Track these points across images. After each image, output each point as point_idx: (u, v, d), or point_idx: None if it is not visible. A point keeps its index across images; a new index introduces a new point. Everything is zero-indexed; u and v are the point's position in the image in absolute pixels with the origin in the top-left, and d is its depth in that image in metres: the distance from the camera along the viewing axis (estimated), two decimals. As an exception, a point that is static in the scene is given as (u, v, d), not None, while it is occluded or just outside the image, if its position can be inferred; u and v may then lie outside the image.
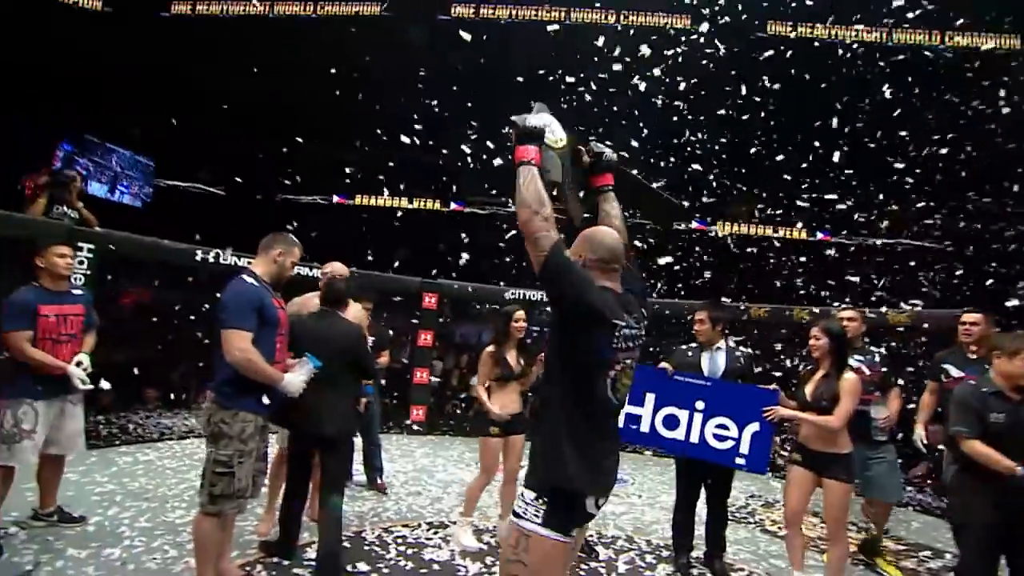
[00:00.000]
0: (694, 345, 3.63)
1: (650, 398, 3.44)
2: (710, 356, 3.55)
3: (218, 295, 2.58)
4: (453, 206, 15.09)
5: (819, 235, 12.67)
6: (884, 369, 3.63)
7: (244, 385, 2.54)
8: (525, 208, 1.64)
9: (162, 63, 10.12)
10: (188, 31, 11.31)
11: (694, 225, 13.84)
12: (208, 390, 2.62)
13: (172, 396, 6.95)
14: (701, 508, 3.59)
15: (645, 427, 3.43)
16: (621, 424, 3.04)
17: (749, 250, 9.93)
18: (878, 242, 11.55)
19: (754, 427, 3.25)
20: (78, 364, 3.19)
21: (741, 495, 5.43)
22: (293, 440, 3.11)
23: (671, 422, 3.41)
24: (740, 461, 3.26)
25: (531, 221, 1.63)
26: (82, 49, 9.47)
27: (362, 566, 3.11)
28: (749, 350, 3.84)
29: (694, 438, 3.35)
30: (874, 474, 3.61)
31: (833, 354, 3.17)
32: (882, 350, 3.72)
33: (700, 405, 3.36)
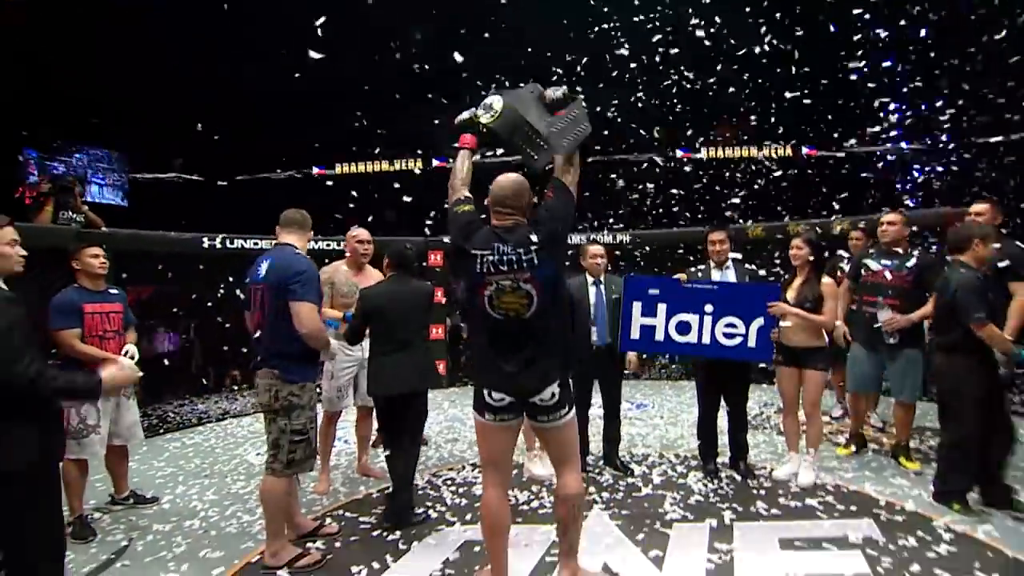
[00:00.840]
0: (702, 267, 3.89)
1: (661, 308, 3.64)
2: (721, 274, 3.83)
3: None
4: (435, 163, 15.01)
5: (805, 150, 12.78)
6: (908, 276, 3.79)
7: (308, 356, 2.71)
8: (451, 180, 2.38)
9: (116, 50, 9.80)
10: (135, 16, 10.82)
11: (679, 154, 13.88)
12: (260, 367, 2.71)
13: (205, 382, 7.21)
14: (721, 420, 3.90)
15: (660, 336, 3.63)
16: (637, 336, 3.44)
17: (736, 173, 10.07)
18: (863, 151, 11.69)
19: (759, 321, 3.50)
20: (127, 355, 3.37)
21: (755, 404, 5.82)
22: (386, 400, 3.16)
23: (683, 328, 3.62)
24: (750, 353, 3.54)
25: (450, 189, 2.36)
26: (24, 49, 9.13)
27: (418, 509, 3.35)
28: (752, 266, 4.09)
29: (706, 339, 3.57)
30: (889, 375, 3.93)
31: (812, 262, 3.63)
32: (915, 254, 3.87)
33: (709, 308, 3.57)
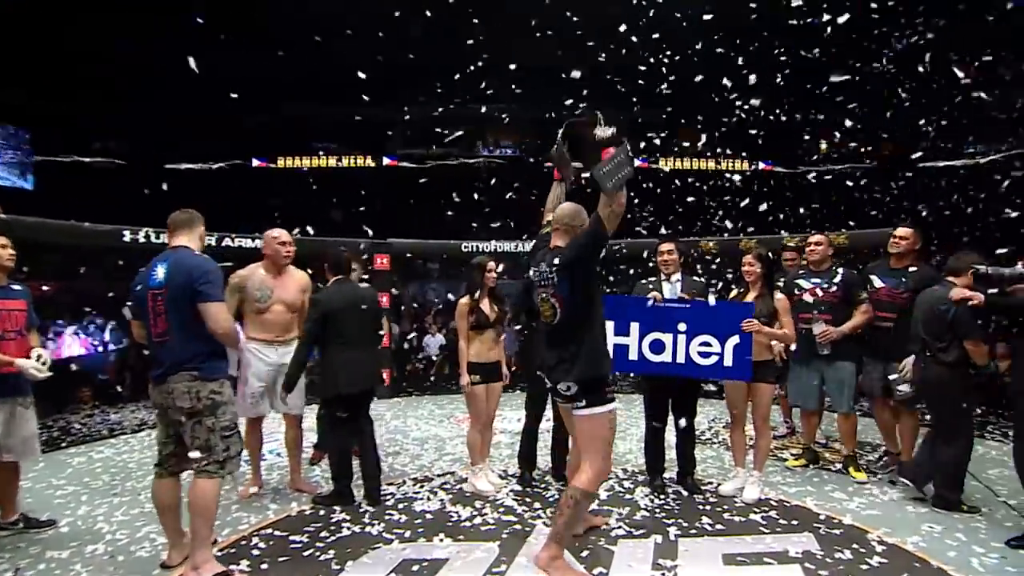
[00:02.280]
0: (652, 278, 3.99)
1: (635, 327, 3.69)
2: (670, 286, 3.93)
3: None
4: (387, 160, 14.81)
5: (761, 165, 13.39)
6: (837, 292, 4.11)
7: (222, 353, 2.78)
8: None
9: (26, 28, 9.19)
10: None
11: (637, 163, 14.30)
12: (172, 372, 2.66)
13: (120, 389, 6.82)
14: (670, 434, 3.99)
15: (633, 355, 3.68)
16: (610, 356, 3.35)
17: (694, 184, 10.45)
18: (815, 170, 12.35)
19: (734, 340, 3.61)
20: (38, 358, 3.17)
21: (704, 419, 6.00)
22: (336, 400, 3.58)
23: (657, 347, 3.68)
24: (726, 371, 3.63)
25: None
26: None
27: (354, 527, 3.32)
28: (701, 278, 4.22)
29: (680, 359, 3.64)
30: (828, 388, 4.19)
31: (764, 277, 3.82)
32: (840, 271, 4.18)
33: (682, 327, 3.65)
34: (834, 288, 4.13)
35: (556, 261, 2.69)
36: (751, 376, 3.65)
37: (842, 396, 4.09)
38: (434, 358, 9.96)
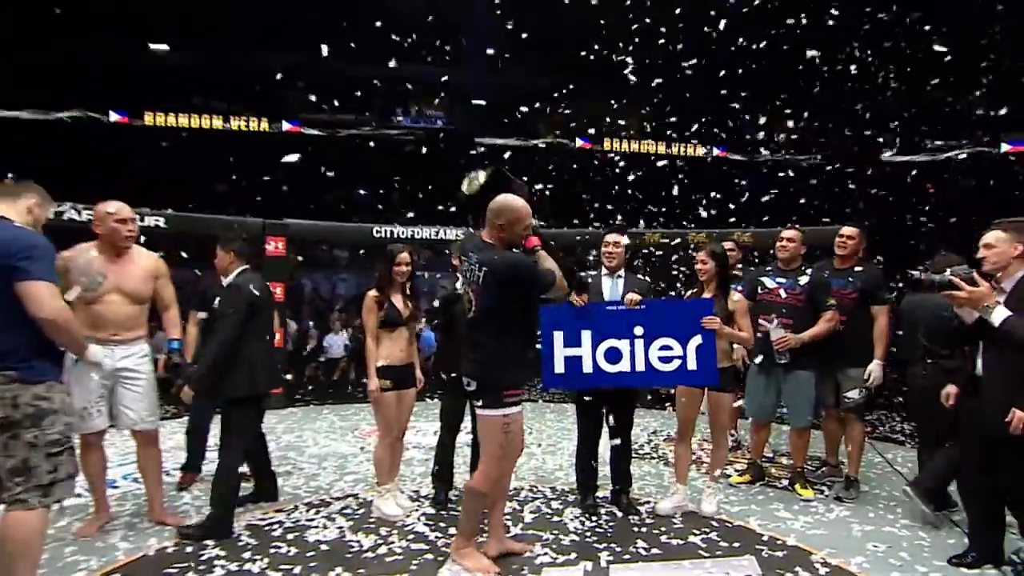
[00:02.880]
0: (593, 272, 4.06)
1: (586, 336, 3.72)
2: (612, 282, 4.00)
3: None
4: (287, 126, 14.20)
5: (716, 151, 13.89)
6: (801, 295, 4.25)
7: (49, 350, 2.53)
8: None
9: None
10: None
11: (578, 143, 14.48)
12: None
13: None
14: (604, 449, 4.06)
15: (588, 367, 3.71)
16: (562, 370, 3.71)
17: (638, 171, 10.74)
18: (773, 157, 12.98)
19: (696, 340, 3.70)
20: None
21: (643, 432, 6.16)
22: (250, 402, 3.61)
23: (613, 355, 3.72)
24: (691, 376, 3.73)
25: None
26: None
27: (230, 565, 3.15)
28: (646, 276, 4.33)
29: (640, 366, 3.71)
30: (784, 399, 4.35)
31: (718, 276, 3.91)
32: (808, 272, 4.34)
33: (639, 331, 3.71)
34: (798, 290, 4.25)
35: (484, 269, 2.97)
36: (718, 380, 3.77)
37: (799, 408, 4.26)
38: (340, 360, 9.73)
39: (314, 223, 7.84)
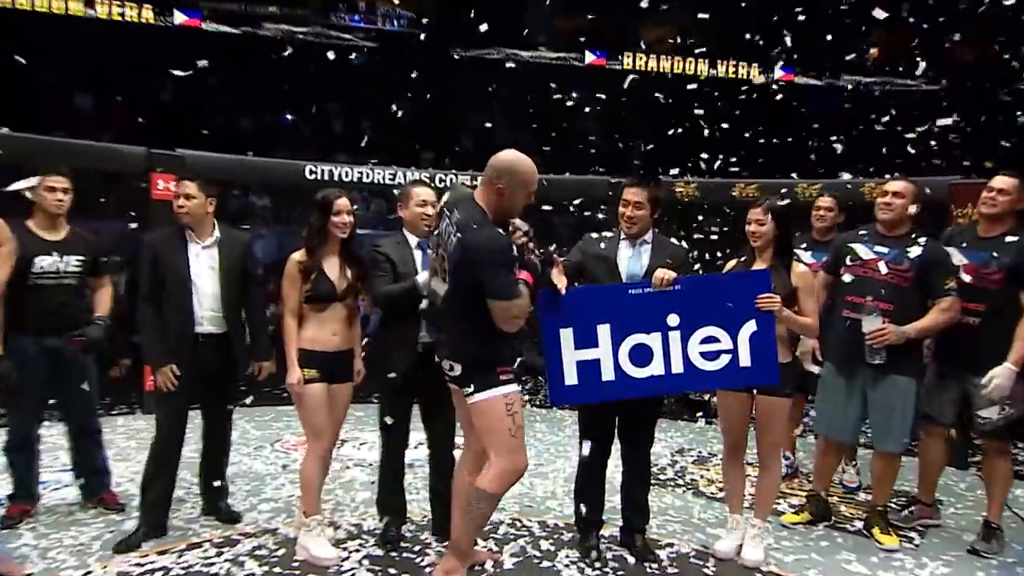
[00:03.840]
0: (608, 234, 3.98)
1: (604, 332, 3.67)
2: (633, 251, 3.86)
3: None
4: (180, 18, 13.64)
5: (779, 73, 13.48)
6: (910, 271, 4.06)
7: None
8: None
9: None
10: None
11: (589, 59, 14.20)
12: None
13: None
14: (614, 473, 4.03)
15: (609, 374, 3.67)
16: (575, 380, 3.70)
17: (668, 96, 10.50)
18: (856, 82, 12.62)
19: (750, 327, 3.65)
20: None
21: (666, 450, 6.13)
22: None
23: (641, 355, 3.68)
24: (747, 375, 3.69)
25: None
26: None
27: None
28: (680, 242, 4.19)
29: (677, 366, 3.66)
30: (871, 412, 4.21)
31: (778, 241, 3.86)
32: (922, 241, 4.10)
33: (673, 320, 3.67)
34: (906, 265, 4.09)
35: (458, 235, 3.13)
36: (779, 377, 3.70)
37: (891, 427, 4.15)
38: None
39: (221, 157, 7.59)
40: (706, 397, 6.90)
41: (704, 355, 3.67)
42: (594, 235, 4.04)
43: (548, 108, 10.21)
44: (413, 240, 3.95)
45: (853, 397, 4.23)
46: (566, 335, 3.66)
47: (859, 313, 4.07)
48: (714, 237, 6.92)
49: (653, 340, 3.67)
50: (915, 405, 4.15)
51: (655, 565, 3.80)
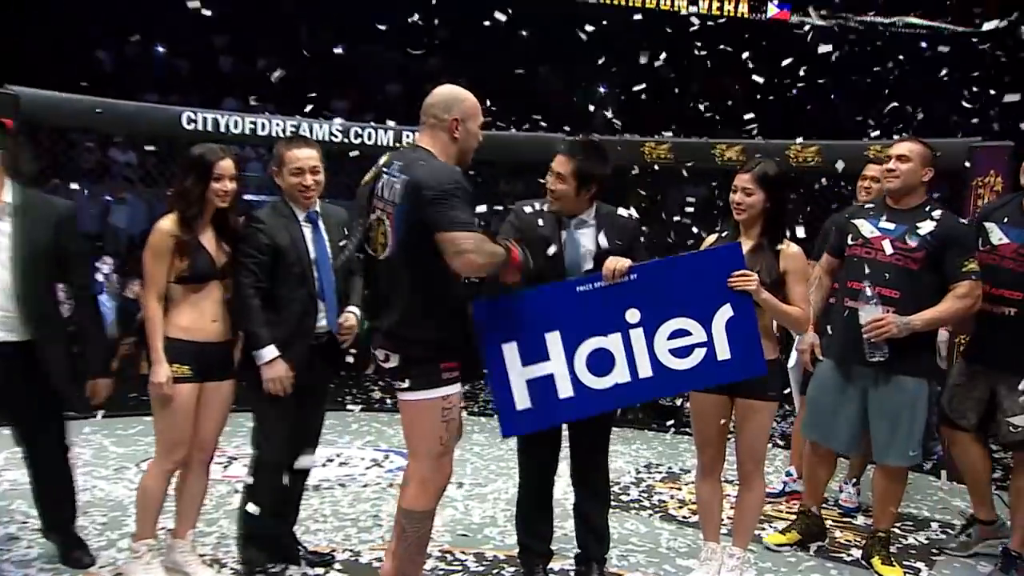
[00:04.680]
0: (536, 202, 3.99)
1: (553, 340, 3.69)
2: (569, 235, 3.87)
3: None
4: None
5: (773, 9, 13.70)
6: (921, 252, 4.16)
7: None
8: None
9: None
10: None
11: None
12: None
13: None
14: (567, 494, 4.13)
15: (567, 390, 3.69)
16: (528, 404, 3.71)
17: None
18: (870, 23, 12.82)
19: (725, 312, 3.69)
20: None
21: (629, 466, 6.23)
22: None
23: (601, 362, 3.71)
24: (726, 369, 3.73)
25: None
26: None
27: None
28: (629, 214, 4.13)
29: (645, 370, 3.70)
30: (871, 418, 4.33)
31: (768, 215, 3.90)
32: (936, 215, 4.22)
33: (633, 316, 3.70)
34: (916, 244, 4.19)
35: (406, 180, 3.26)
36: (766, 368, 3.75)
37: (895, 437, 4.26)
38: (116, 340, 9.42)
39: (69, 97, 7.42)
40: (678, 402, 7.06)
41: (675, 352, 3.71)
42: (528, 209, 3.95)
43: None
44: (299, 212, 3.95)
45: (850, 399, 4.35)
46: (510, 351, 3.67)
47: (856, 301, 4.17)
48: (689, 210, 7.00)
49: (613, 343, 3.71)
50: (926, 413, 4.25)
51: (615, 604, 3.88)
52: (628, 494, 5.57)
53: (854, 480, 5.43)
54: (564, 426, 3.97)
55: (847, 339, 4.24)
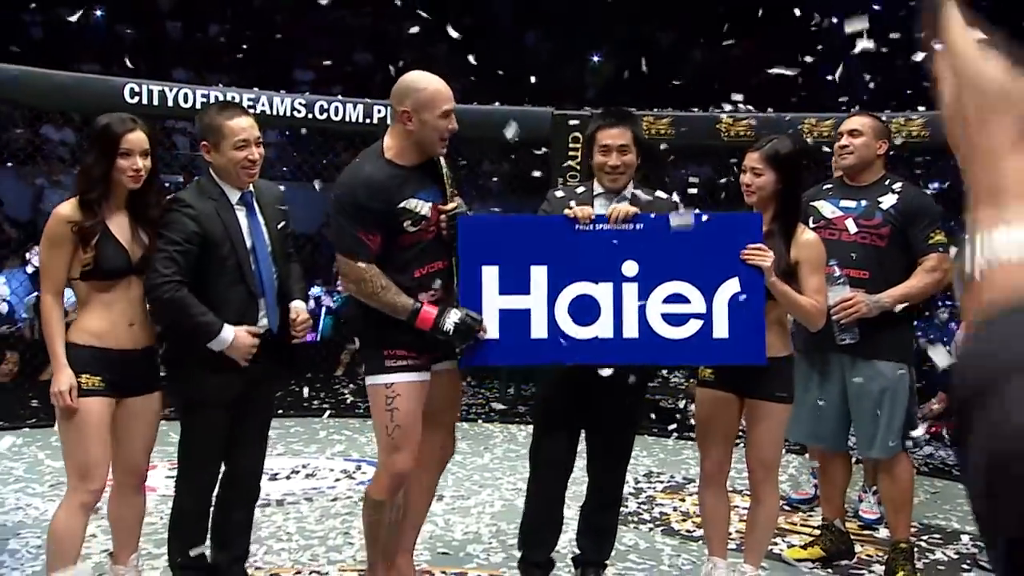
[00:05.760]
0: (580, 189, 4.12)
1: (539, 275, 3.75)
2: (608, 207, 3.93)
3: None
4: None
5: None
6: (885, 227, 4.32)
7: None
8: None
9: None
10: None
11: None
12: None
13: None
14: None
15: (540, 330, 3.75)
16: (495, 334, 3.77)
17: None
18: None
19: (731, 286, 3.72)
20: None
21: (628, 475, 6.20)
22: None
23: (585, 310, 3.76)
24: (719, 349, 3.75)
25: None
26: None
27: None
28: (670, 195, 4.27)
29: (631, 330, 3.73)
30: (853, 406, 4.42)
31: (781, 198, 3.91)
32: (896, 188, 4.38)
33: (631, 269, 3.75)
34: (879, 219, 4.35)
35: None
36: (765, 357, 3.75)
37: (875, 427, 4.37)
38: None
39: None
40: (681, 404, 7.09)
41: (667, 318, 3.75)
42: (559, 192, 4.10)
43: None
44: (232, 193, 3.80)
45: (828, 391, 4.46)
46: (489, 275, 3.73)
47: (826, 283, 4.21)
48: (693, 191, 7.03)
49: (602, 292, 3.75)
50: (907, 399, 4.36)
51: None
52: (627, 506, 5.55)
53: (874, 488, 5.45)
54: (583, 410, 4.04)
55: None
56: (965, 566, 4.81)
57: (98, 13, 12.59)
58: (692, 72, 14.92)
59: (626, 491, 5.78)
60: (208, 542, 3.93)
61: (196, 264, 3.62)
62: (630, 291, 3.72)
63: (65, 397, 3.50)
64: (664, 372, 7.78)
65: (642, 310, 3.72)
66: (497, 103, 8.65)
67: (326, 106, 7.90)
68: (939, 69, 2.05)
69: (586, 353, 3.75)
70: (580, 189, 4.13)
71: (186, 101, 7.58)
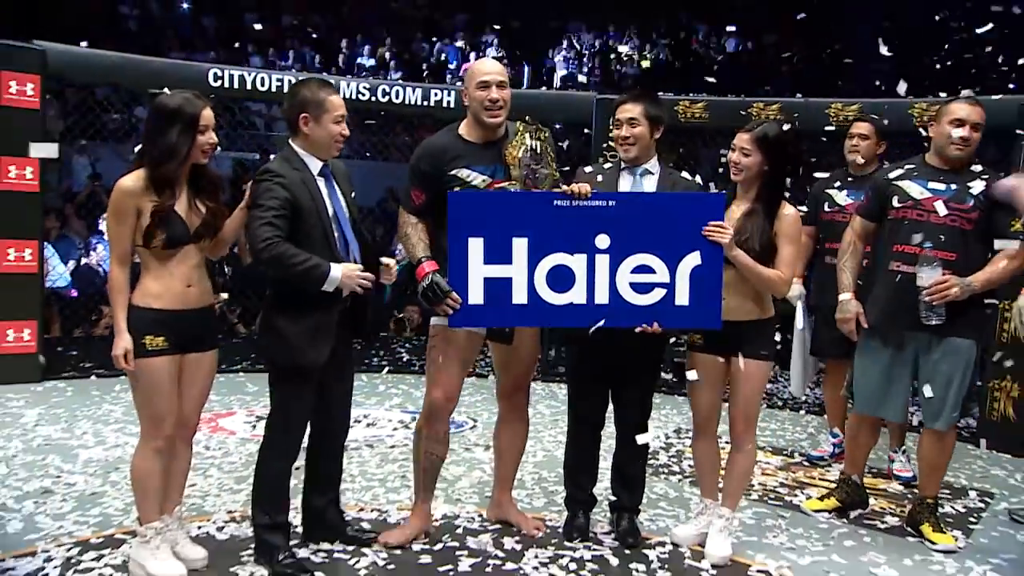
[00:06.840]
0: (607, 165, 4.21)
1: (520, 246, 3.80)
2: (634, 182, 4.05)
3: None
4: None
5: None
6: (974, 212, 4.16)
7: None
8: None
9: None
10: None
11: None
12: None
13: None
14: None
15: (521, 296, 3.84)
16: (480, 299, 3.86)
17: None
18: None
19: (692, 259, 3.78)
20: None
21: (659, 431, 6.28)
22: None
23: (561, 279, 3.83)
24: (681, 315, 3.85)
25: None
26: None
27: None
28: (687, 174, 4.31)
29: (602, 297, 3.82)
30: (921, 383, 4.32)
31: (766, 178, 3.96)
32: (983, 174, 4.22)
33: (603, 242, 3.81)
34: (970, 204, 4.19)
35: None
36: (720, 322, 3.84)
37: (945, 399, 4.28)
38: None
39: (95, 53, 7.52)
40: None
41: (634, 287, 3.82)
42: (588, 168, 4.15)
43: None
44: (315, 164, 3.77)
45: (902, 367, 4.36)
46: (475, 246, 3.80)
47: (913, 265, 4.14)
48: (723, 171, 7.00)
49: (577, 263, 3.83)
50: (973, 374, 4.31)
51: (640, 564, 3.94)
52: (658, 459, 5.63)
53: (903, 448, 5.47)
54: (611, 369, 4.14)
55: (898, 304, 4.23)
56: (972, 519, 4.80)
57: (184, 6, 12.68)
58: (727, 62, 14.70)
59: (657, 445, 5.90)
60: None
61: (289, 229, 3.57)
62: (602, 262, 3.81)
63: (120, 361, 3.50)
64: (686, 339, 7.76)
65: (612, 279, 3.82)
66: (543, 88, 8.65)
67: (388, 90, 7.92)
68: None
69: (562, 317, 3.90)
70: (607, 165, 4.24)
71: (263, 84, 7.71)
